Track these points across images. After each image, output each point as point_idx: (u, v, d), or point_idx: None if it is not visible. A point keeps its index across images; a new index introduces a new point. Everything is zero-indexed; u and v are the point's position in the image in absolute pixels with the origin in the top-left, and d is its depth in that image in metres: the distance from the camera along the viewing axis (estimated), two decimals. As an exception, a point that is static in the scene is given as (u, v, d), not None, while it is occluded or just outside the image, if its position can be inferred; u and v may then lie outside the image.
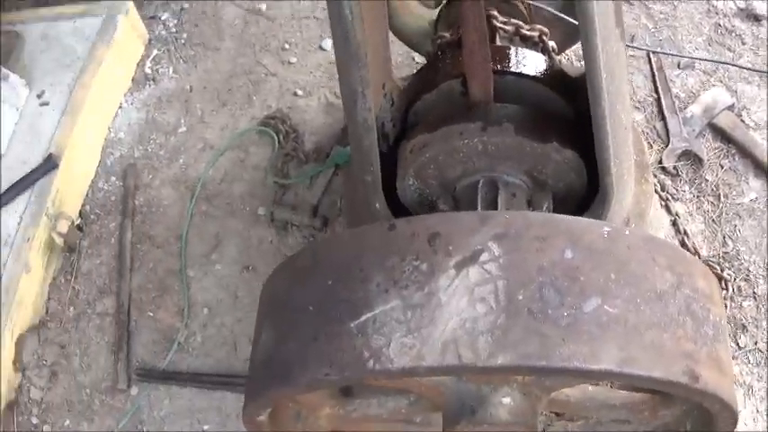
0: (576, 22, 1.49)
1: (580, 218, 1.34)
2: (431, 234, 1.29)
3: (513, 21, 1.99)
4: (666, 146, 2.52)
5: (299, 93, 2.86)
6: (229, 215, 2.62)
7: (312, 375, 1.26)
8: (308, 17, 3.04)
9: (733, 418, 1.35)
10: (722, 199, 2.39)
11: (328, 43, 2.96)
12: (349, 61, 1.52)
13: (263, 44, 2.98)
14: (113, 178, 2.75)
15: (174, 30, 3.05)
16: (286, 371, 1.31)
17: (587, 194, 1.83)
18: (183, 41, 3.02)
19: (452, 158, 1.80)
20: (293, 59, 2.94)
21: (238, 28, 3.03)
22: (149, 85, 2.93)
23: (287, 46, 2.97)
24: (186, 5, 3.10)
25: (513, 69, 1.85)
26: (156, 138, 2.82)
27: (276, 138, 2.74)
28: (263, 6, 3.08)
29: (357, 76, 1.53)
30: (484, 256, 1.26)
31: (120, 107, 2.89)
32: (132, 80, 2.94)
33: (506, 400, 1.54)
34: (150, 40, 3.03)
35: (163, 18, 3.08)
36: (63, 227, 2.51)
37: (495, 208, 1.77)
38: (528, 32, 1.99)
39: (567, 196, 1.87)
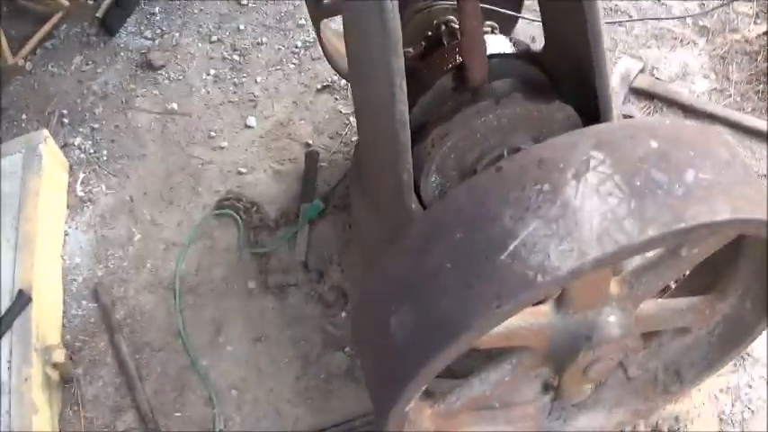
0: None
1: (646, 118, 1.56)
2: (538, 161, 1.47)
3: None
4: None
5: (243, 170, 2.98)
6: (220, 298, 2.67)
7: (483, 313, 1.38)
8: (222, 103, 3.18)
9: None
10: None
11: (252, 120, 3.11)
12: (387, 52, 1.64)
13: (188, 139, 3.09)
14: (84, 302, 2.74)
15: (92, 151, 3.11)
16: (449, 327, 1.41)
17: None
18: (105, 159, 3.07)
19: (471, 141, 1.97)
20: (224, 144, 3.07)
21: (157, 131, 3.12)
22: (87, 207, 2.96)
23: (212, 134, 3.09)
24: (95, 125, 3.17)
25: (494, 52, 2.08)
26: (113, 252, 2.84)
27: (237, 216, 2.83)
28: (175, 105, 3.19)
29: (395, 66, 1.68)
30: (593, 162, 1.45)
31: (66, 234, 2.89)
32: (68, 207, 2.96)
33: (611, 318, 1.71)
34: (71, 166, 3.06)
35: (76, 143, 3.13)
36: (58, 357, 2.48)
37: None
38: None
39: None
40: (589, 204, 1.39)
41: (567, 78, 2.06)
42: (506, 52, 2.10)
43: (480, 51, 1.94)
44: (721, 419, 2.30)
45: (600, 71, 1.88)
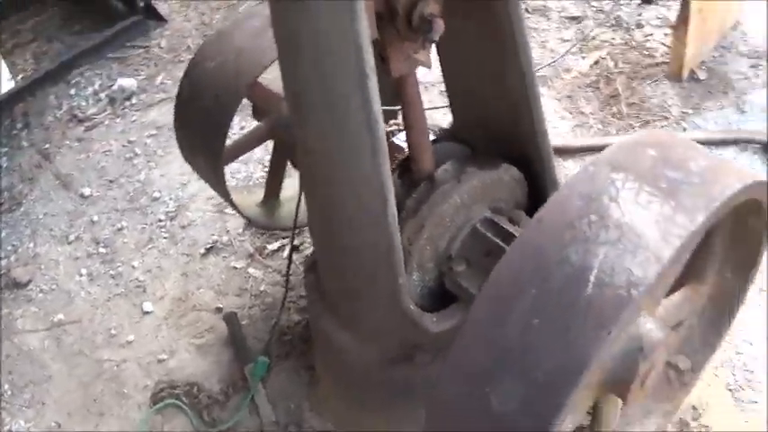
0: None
1: (625, 137, 1.80)
2: (571, 200, 1.65)
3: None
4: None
5: (163, 357, 2.95)
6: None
7: (595, 344, 1.51)
8: (108, 299, 3.15)
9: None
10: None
11: (149, 305, 3.09)
12: (377, 161, 1.74)
13: (90, 345, 3.02)
14: None
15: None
16: (564, 376, 1.52)
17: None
18: (9, 393, 2.94)
19: (442, 228, 2.11)
20: (130, 338, 3.02)
21: (53, 348, 3.03)
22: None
23: (113, 332, 3.04)
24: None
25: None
26: (59, 491, 2.69)
27: (180, 402, 2.78)
28: (61, 316, 3.12)
29: (386, 174, 1.79)
30: (618, 183, 1.65)
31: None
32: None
33: (648, 324, 1.90)
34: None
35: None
36: None
37: (495, 250, 2.08)
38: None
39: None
40: (638, 216, 1.58)
41: (487, 145, 2.25)
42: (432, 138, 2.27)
43: (428, 142, 2.11)
44: (731, 390, 2.53)
45: (539, 125, 2.10)
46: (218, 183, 2.57)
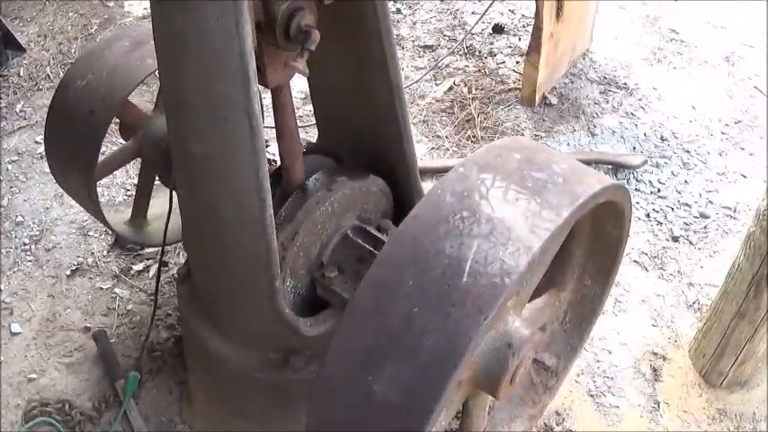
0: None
1: (491, 144, 1.85)
2: (444, 198, 1.68)
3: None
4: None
5: (33, 376, 2.81)
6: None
7: (474, 328, 1.53)
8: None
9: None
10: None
11: (16, 326, 2.94)
12: (256, 158, 1.73)
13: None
14: None
15: None
16: (447, 358, 1.53)
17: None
18: None
19: (313, 235, 2.11)
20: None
21: None
22: None
23: (-23, 353, 2.86)
24: None
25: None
26: None
27: (52, 420, 2.65)
28: None
29: (264, 171, 1.78)
30: (488, 182, 1.69)
31: None
32: None
33: (516, 322, 1.94)
34: None
35: None
36: None
37: (367, 257, 2.10)
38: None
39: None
40: (508, 212, 1.63)
41: (354, 157, 2.28)
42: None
43: (299, 151, 2.11)
44: (592, 396, 2.61)
45: (406, 136, 2.13)
46: (89, 200, 2.47)
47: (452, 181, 1.71)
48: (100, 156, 2.49)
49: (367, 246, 2.11)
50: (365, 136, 2.23)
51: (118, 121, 2.65)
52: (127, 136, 2.67)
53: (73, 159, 2.48)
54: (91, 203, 2.52)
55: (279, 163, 2.15)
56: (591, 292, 2.29)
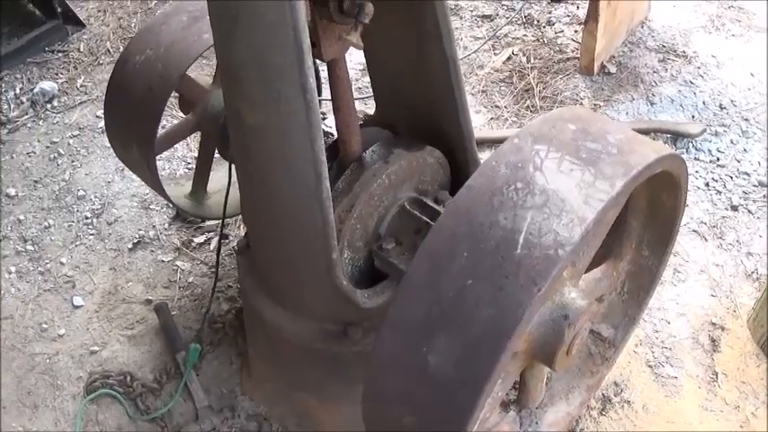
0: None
1: (547, 114, 1.86)
2: (499, 170, 1.71)
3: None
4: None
5: (96, 349, 2.90)
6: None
7: (528, 301, 1.56)
8: (38, 295, 3.08)
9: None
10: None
11: (79, 299, 3.04)
12: (312, 132, 1.77)
13: (21, 340, 2.96)
14: None
15: None
16: (499, 330, 1.56)
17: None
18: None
19: (371, 207, 2.15)
20: (61, 331, 2.97)
21: (-20, 345, 2.94)
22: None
23: (44, 326, 2.98)
24: None
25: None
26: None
27: (114, 391, 2.75)
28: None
29: (320, 145, 1.82)
30: (542, 153, 1.71)
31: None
32: None
33: (572, 293, 1.97)
34: None
35: None
36: None
37: (424, 228, 2.13)
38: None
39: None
40: (562, 183, 1.65)
41: (411, 129, 2.31)
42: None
43: (356, 124, 2.14)
44: (650, 366, 2.62)
45: (462, 108, 2.15)
46: (149, 173, 2.55)
47: (507, 152, 1.74)
48: (159, 129, 2.57)
49: (424, 217, 2.14)
50: (422, 108, 2.25)
51: (177, 94, 2.73)
52: (186, 110, 2.75)
53: (132, 134, 2.56)
54: (151, 177, 2.61)
55: (336, 136, 2.19)
56: (648, 263, 2.30)
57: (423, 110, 2.25)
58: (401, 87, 2.27)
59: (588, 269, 2.26)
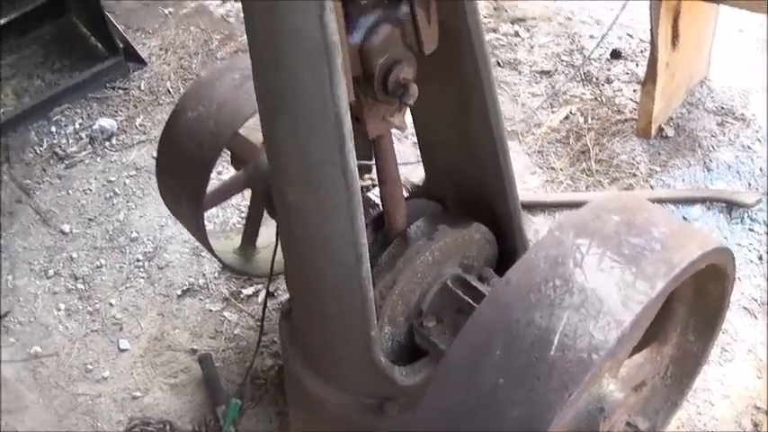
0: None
1: (592, 202, 1.86)
2: (538, 264, 1.71)
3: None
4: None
5: (138, 394, 2.96)
6: None
7: (559, 405, 1.55)
8: (86, 334, 3.16)
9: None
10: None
11: (125, 342, 3.11)
12: (351, 214, 1.77)
13: (65, 379, 3.03)
14: None
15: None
16: (528, 429, 1.57)
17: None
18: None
19: (413, 284, 2.15)
20: (105, 374, 3.04)
21: (29, 379, 3.04)
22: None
23: (89, 366, 3.06)
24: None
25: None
26: None
27: (154, 442, 2.80)
28: (37, 348, 3.15)
29: (360, 226, 1.83)
30: (583, 248, 1.70)
31: None
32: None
33: (610, 386, 1.94)
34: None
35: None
36: None
37: (465, 308, 2.13)
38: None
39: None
40: (601, 282, 1.64)
41: (459, 202, 2.31)
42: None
43: (402, 199, 2.16)
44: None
45: (509, 186, 2.16)
46: (198, 228, 2.60)
47: (548, 245, 1.74)
48: (211, 184, 2.63)
49: (466, 297, 2.14)
50: (469, 182, 2.26)
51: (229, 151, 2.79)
52: (238, 166, 2.81)
53: (182, 189, 2.62)
54: (198, 232, 2.67)
55: (382, 207, 2.21)
56: (694, 348, 2.27)
57: (471, 185, 2.26)
58: (449, 161, 2.28)
59: (632, 353, 2.24)
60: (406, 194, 2.35)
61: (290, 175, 1.81)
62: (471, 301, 2.11)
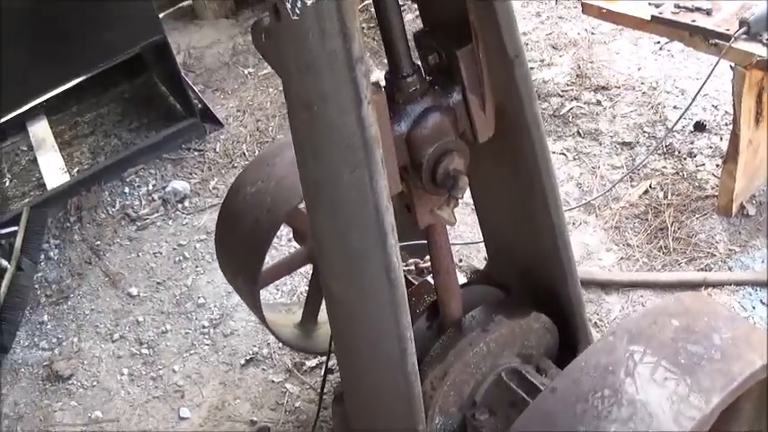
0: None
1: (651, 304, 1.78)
2: (587, 371, 1.64)
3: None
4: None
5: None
6: None
7: None
8: (147, 401, 3.19)
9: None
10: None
11: (186, 411, 3.12)
12: (396, 309, 1.74)
13: None
14: None
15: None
16: None
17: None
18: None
19: (467, 374, 2.10)
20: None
21: None
22: None
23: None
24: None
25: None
26: None
27: None
28: (98, 413, 3.21)
29: (404, 321, 1.80)
30: (636, 356, 1.63)
31: None
32: None
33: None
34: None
35: None
36: None
37: (519, 402, 2.06)
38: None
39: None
40: (652, 394, 1.56)
41: (521, 288, 2.25)
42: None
43: (456, 288, 2.11)
44: None
45: (570, 275, 2.09)
46: (254, 305, 2.60)
47: (599, 351, 1.67)
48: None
49: (520, 391, 2.08)
50: (531, 270, 2.20)
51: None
52: (300, 241, 2.81)
53: (239, 265, 2.63)
54: (255, 309, 2.66)
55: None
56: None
57: (532, 272, 2.20)
58: (510, 245, 2.23)
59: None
60: (465, 279, 2.31)
61: (333, 267, 1.79)
62: (525, 396, 2.05)
